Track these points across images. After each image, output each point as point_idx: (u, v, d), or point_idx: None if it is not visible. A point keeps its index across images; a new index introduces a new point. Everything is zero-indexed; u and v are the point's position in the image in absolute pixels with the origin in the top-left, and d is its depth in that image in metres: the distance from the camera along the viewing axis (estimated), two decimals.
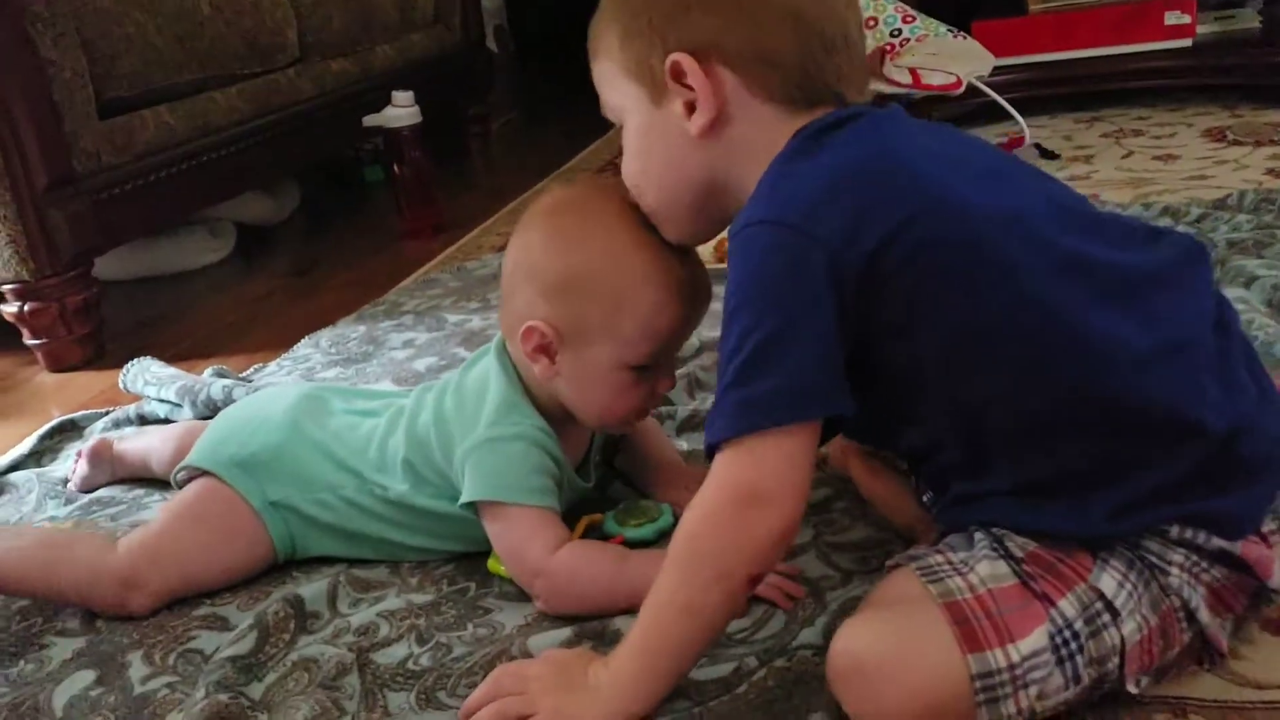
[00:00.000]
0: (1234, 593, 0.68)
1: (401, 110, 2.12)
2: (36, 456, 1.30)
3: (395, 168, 2.17)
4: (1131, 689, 0.66)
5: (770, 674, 0.73)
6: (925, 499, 0.82)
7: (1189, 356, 0.66)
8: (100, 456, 1.19)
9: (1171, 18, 2.20)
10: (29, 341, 1.65)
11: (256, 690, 0.79)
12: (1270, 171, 1.73)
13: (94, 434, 1.31)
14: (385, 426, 0.96)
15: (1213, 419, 0.64)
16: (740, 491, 0.66)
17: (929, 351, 0.66)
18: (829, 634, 0.75)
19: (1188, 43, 2.21)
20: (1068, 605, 0.65)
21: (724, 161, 0.73)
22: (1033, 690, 0.63)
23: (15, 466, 1.27)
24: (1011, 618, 0.64)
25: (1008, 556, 0.67)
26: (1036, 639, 0.63)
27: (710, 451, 0.68)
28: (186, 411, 1.30)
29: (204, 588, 0.94)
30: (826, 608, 0.79)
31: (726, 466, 0.67)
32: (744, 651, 0.76)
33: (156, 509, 1.08)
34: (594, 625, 0.81)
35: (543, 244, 0.87)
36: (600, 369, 0.87)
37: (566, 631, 0.81)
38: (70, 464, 1.22)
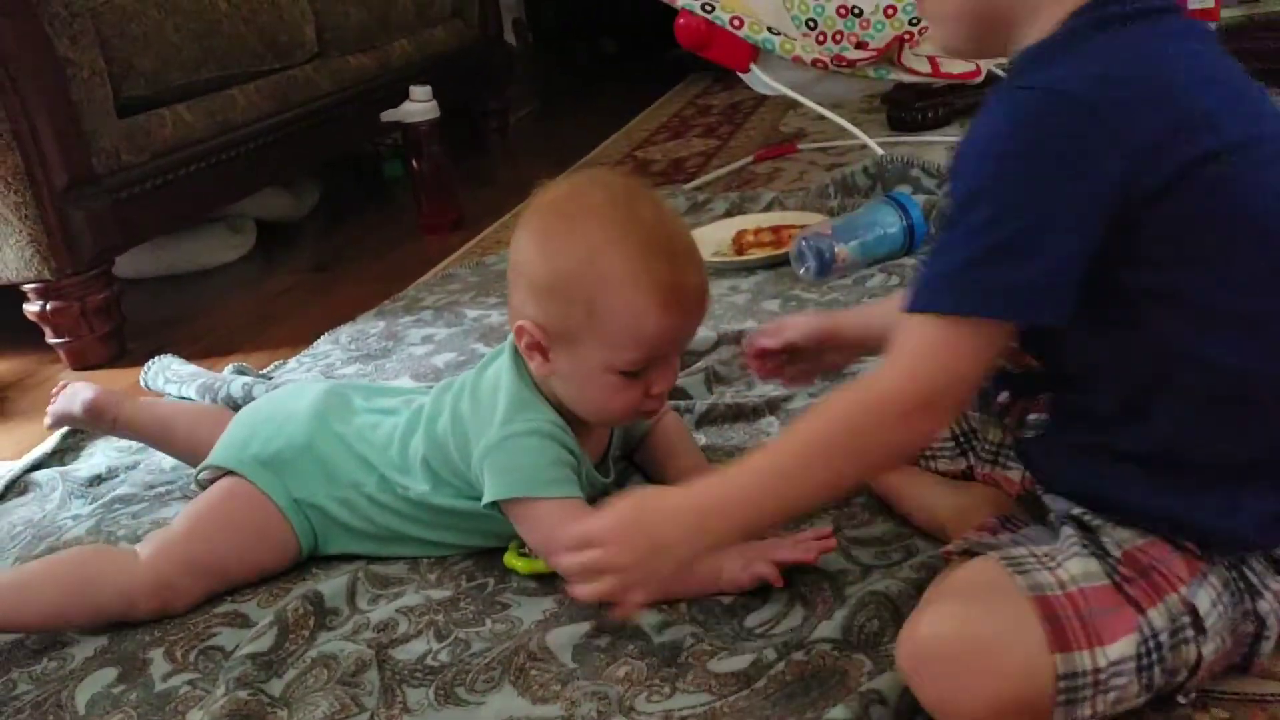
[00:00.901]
0: None
1: (419, 105, 2.12)
2: (59, 455, 1.31)
3: (414, 162, 2.17)
4: (1181, 699, 0.65)
5: (789, 668, 0.73)
6: (1029, 420, 0.77)
7: None
8: (99, 415, 1.17)
9: (1195, 2, 2.17)
10: (51, 340, 1.66)
11: (276, 687, 0.80)
12: None
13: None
14: (405, 426, 0.96)
15: None
16: (920, 397, 0.62)
17: (1162, 284, 0.62)
18: (847, 629, 0.75)
19: (1211, 26, 2.18)
20: (1157, 615, 0.63)
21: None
22: (1111, 695, 0.62)
23: (38, 465, 1.28)
24: (1103, 621, 0.62)
25: (1101, 555, 0.65)
26: (1125, 647, 0.62)
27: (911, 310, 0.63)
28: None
29: (238, 585, 0.94)
30: (846, 602, 0.78)
31: (918, 350, 0.63)
32: (762, 645, 0.76)
33: (177, 507, 1.09)
34: (611, 620, 0.81)
35: (530, 243, 0.87)
36: (590, 370, 0.86)
37: (585, 626, 0.81)
38: (91, 459, 1.23)
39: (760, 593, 0.81)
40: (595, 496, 0.94)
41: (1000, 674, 0.61)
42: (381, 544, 0.96)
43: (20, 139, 1.52)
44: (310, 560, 0.96)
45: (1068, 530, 0.67)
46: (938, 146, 2.02)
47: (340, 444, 0.96)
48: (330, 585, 0.91)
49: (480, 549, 0.94)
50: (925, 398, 0.63)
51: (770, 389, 1.16)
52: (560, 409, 0.90)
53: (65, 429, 1.34)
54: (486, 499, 0.87)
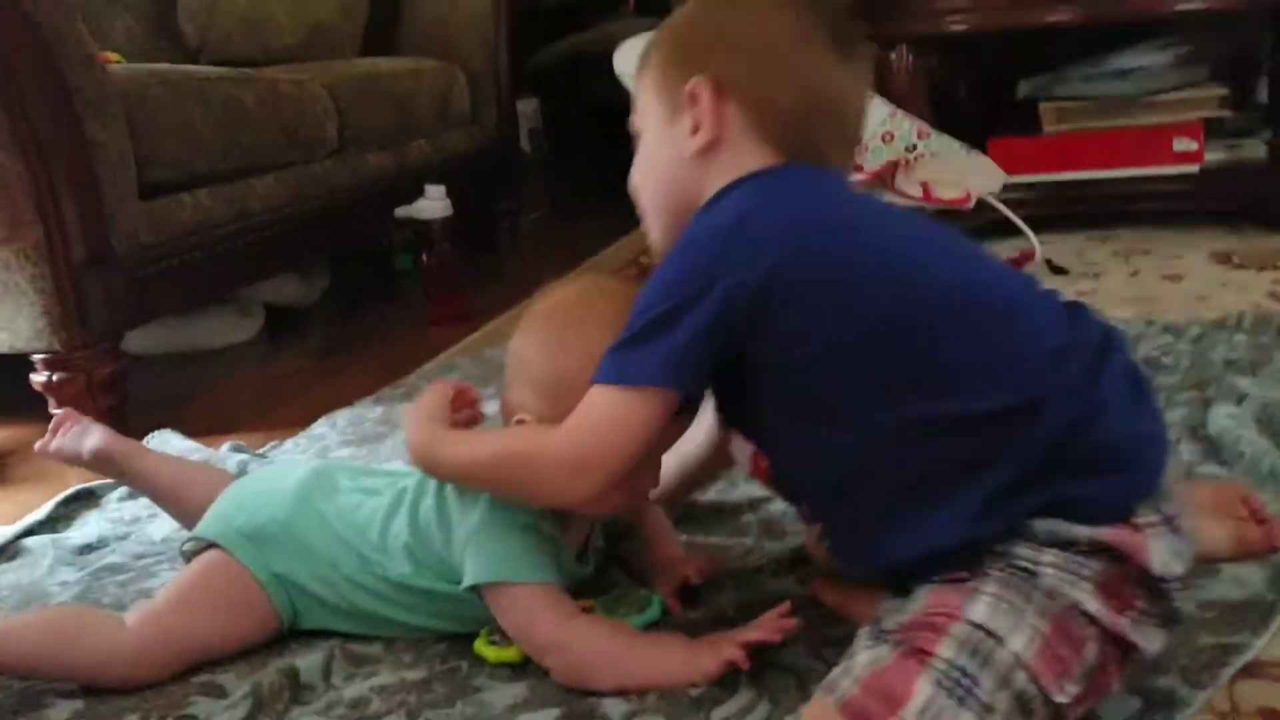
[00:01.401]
0: (1122, 584, 0.71)
1: (433, 203, 2.20)
2: (53, 523, 1.33)
3: (425, 257, 2.23)
4: (1061, 699, 0.68)
5: None
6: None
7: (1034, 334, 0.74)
8: (106, 463, 1.17)
9: (1180, 144, 2.26)
10: (55, 411, 1.69)
11: None
12: (1272, 295, 1.76)
13: (110, 500, 1.35)
14: (387, 507, 0.98)
15: (1057, 400, 0.71)
16: (574, 459, 0.79)
17: (812, 360, 0.75)
18: None
19: (1196, 169, 2.26)
20: (946, 649, 0.68)
21: (708, 180, 0.83)
22: None
23: (31, 531, 1.30)
24: (894, 685, 0.67)
25: (880, 638, 0.71)
26: (922, 691, 0.67)
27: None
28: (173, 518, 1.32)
29: (212, 658, 0.95)
30: (808, 699, 0.80)
31: (580, 415, 0.79)
32: None
33: (164, 577, 1.11)
34: (583, 706, 0.83)
35: (536, 345, 0.91)
36: None
37: (555, 712, 0.83)
38: (84, 528, 1.25)
39: (728, 685, 0.83)
40: (573, 587, 0.96)
41: None
42: (357, 623, 0.98)
43: (44, 214, 1.58)
44: (289, 635, 0.98)
45: (864, 632, 0.74)
46: None
47: (321, 523, 0.99)
48: (306, 661, 0.92)
49: (455, 633, 0.96)
50: (578, 460, 0.79)
51: (753, 489, 1.18)
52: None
53: (61, 497, 1.37)
54: (466, 582, 0.90)
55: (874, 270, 0.76)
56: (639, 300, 0.78)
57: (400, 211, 2.21)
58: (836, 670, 0.72)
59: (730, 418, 0.88)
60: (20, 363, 1.70)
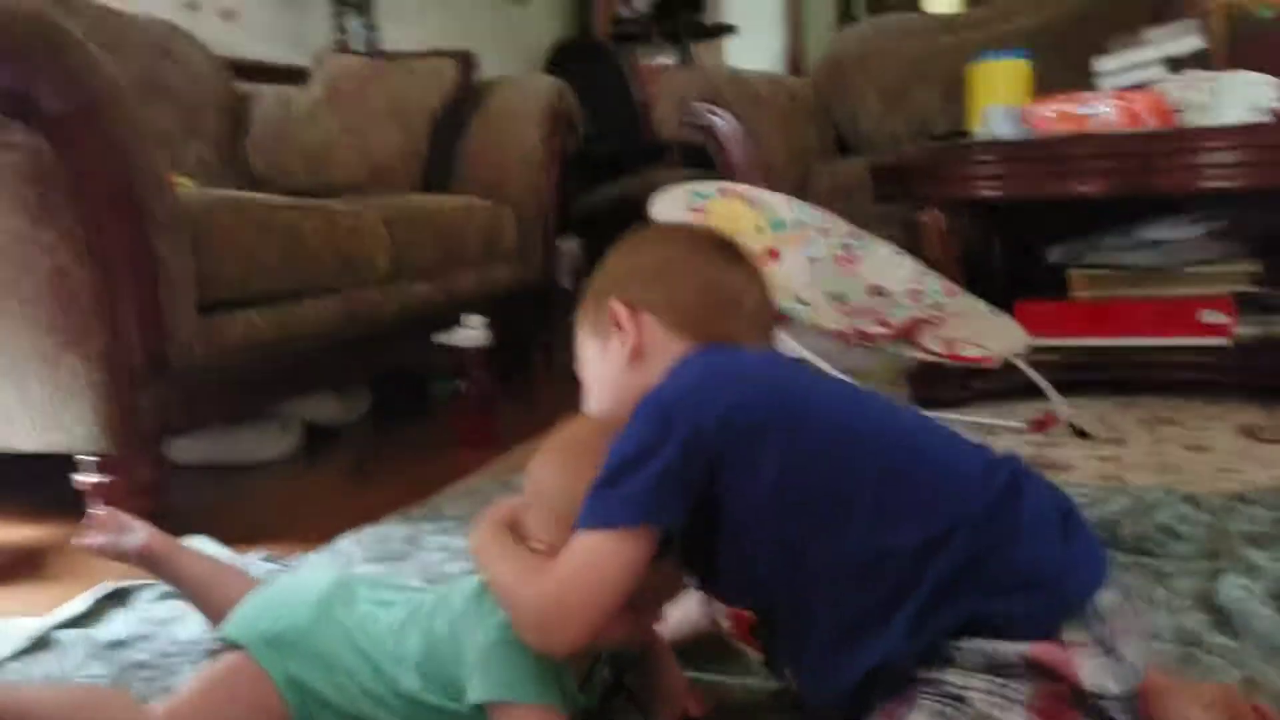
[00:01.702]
0: (1059, 706, 0.74)
1: (471, 332, 2.29)
2: (84, 618, 1.38)
3: (460, 383, 2.31)
4: None
5: None
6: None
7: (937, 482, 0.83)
8: (152, 561, 1.19)
9: (1208, 316, 2.30)
10: (93, 511, 1.75)
11: None
12: None
13: (140, 600, 1.39)
14: (403, 622, 1.03)
15: (966, 527, 0.79)
16: (552, 611, 0.85)
17: (759, 499, 0.84)
18: None
19: (1225, 342, 2.29)
20: None
21: (644, 378, 0.95)
22: None
23: (64, 625, 1.34)
24: None
25: None
26: None
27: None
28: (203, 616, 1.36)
29: None
30: None
31: (563, 558, 0.86)
32: None
33: (187, 675, 1.15)
34: None
35: (552, 474, 0.97)
36: None
37: None
38: (113, 625, 1.30)
39: None
40: (575, 715, 0.98)
41: None
42: None
43: (108, 324, 1.67)
44: None
45: None
46: (956, 424, 2.11)
47: (341, 633, 1.03)
48: None
49: None
50: (554, 610, 0.86)
51: None
52: None
53: (98, 594, 1.42)
54: (473, 698, 0.93)
55: (814, 418, 0.87)
56: (609, 456, 0.87)
57: (439, 338, 2.29)
58: None
59: (692, 564, 0.94)
60: (59, 462, 1.77)
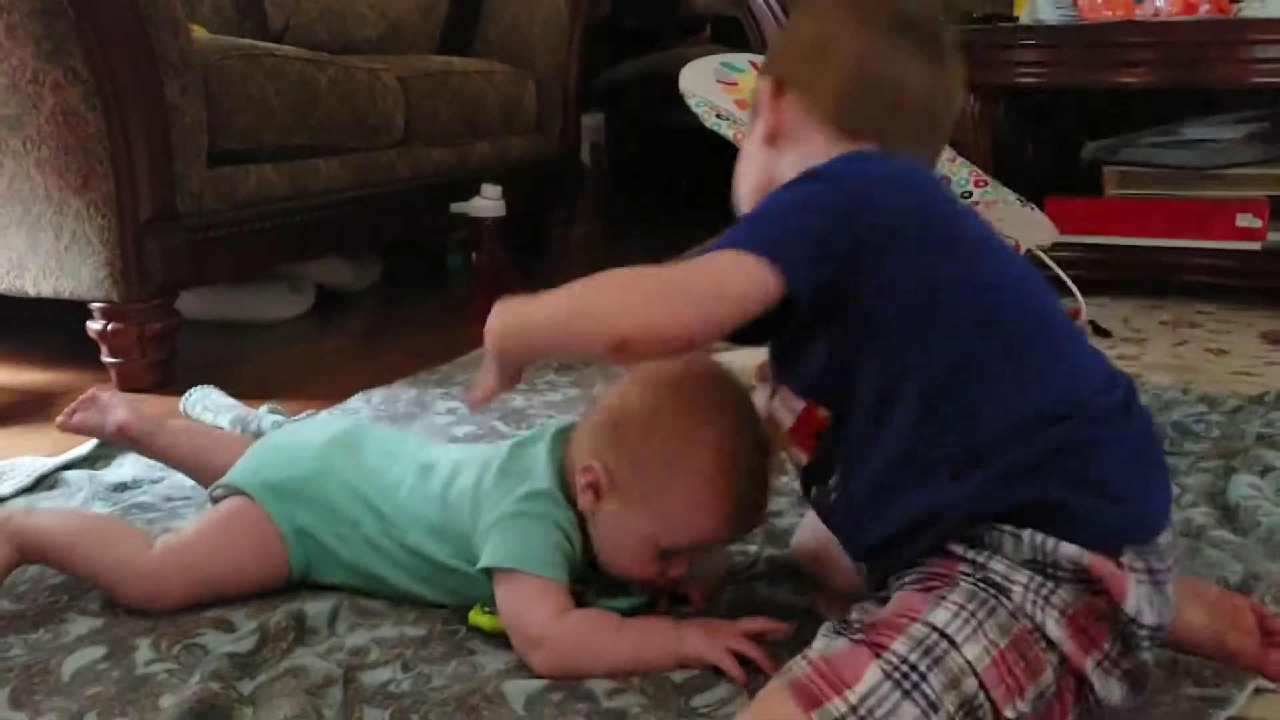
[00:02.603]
0: (1090, 621, 0.73)
1: (488, 202, 2.25)
2: (92, 461, 1.38)
3: (474, 255, 2.28)
4: (1009, 714, 0.70)
5: None
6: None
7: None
8: (127, 438, 1.21)
9: (1244, 220, 2.24)
10: (106, 359, 1.75)
11: (247, 686, 0.84)
12: None
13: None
14: (415, 477, 1.01)
15: (1083, 416, 0.75)
16: (660, 291, 0.79)
17: (888, 304, 0.77)
18: None
19: (1257, 246, 2.25)
20: (899, 645, 0.71)
21: (779, 163, 0.89)
22: None
23: (71, 466, 1.35)
24: (841, 668, 0.71)
25: (840, 632, 0.75)
26: (870, 677, 0.69)
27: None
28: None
29: (223, 596, 0.99)
30: None
31: (700, 260, 0.78)
32: None
33: (190, 517, 1.15)
34: (569, 679, 0.85)
35: (638, 408, 0.94)
36: (630, 533, 0.92)
37: (542, 682, 0.85)
38: (121, 468, 1.30)
39: (709, 676, 0.86)
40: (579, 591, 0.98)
41: None
42: (365, 583, 1.01)
43: (116, 169, 1.64)
44: (302, 585, 1.02)
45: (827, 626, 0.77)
46: None
47: (346, 482, 1.02)
48: (315, 607, 0.96)
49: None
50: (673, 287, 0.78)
51: None
52: (578, 513, 0.94)
53: (100, 439, 1.42)
54: (483, 563, 0.92)
55: (964, 247, 0.81)
56: (764, 199, 0.82)
57: (456, 207, 2.26)
58: (794, 659, 0.75)
59: (785, 348, 0.86)
60: (76, 310, 1.77)
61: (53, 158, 1.65)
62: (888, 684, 0.69)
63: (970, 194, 2.07)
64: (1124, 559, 0.73)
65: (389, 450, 1.06)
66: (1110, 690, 0.73)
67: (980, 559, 0.74)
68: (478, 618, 0.94)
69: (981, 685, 0.70)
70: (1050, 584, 0.72)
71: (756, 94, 0.93)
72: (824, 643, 0.74)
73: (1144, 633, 0.74)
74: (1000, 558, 0.73)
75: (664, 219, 3.96)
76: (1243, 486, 1.20)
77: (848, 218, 0.77)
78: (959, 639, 0.71)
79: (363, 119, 2.20)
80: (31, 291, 1.74)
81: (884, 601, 0.78)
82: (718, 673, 0.86)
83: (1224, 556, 1.05)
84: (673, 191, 4.38)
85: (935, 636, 0.71)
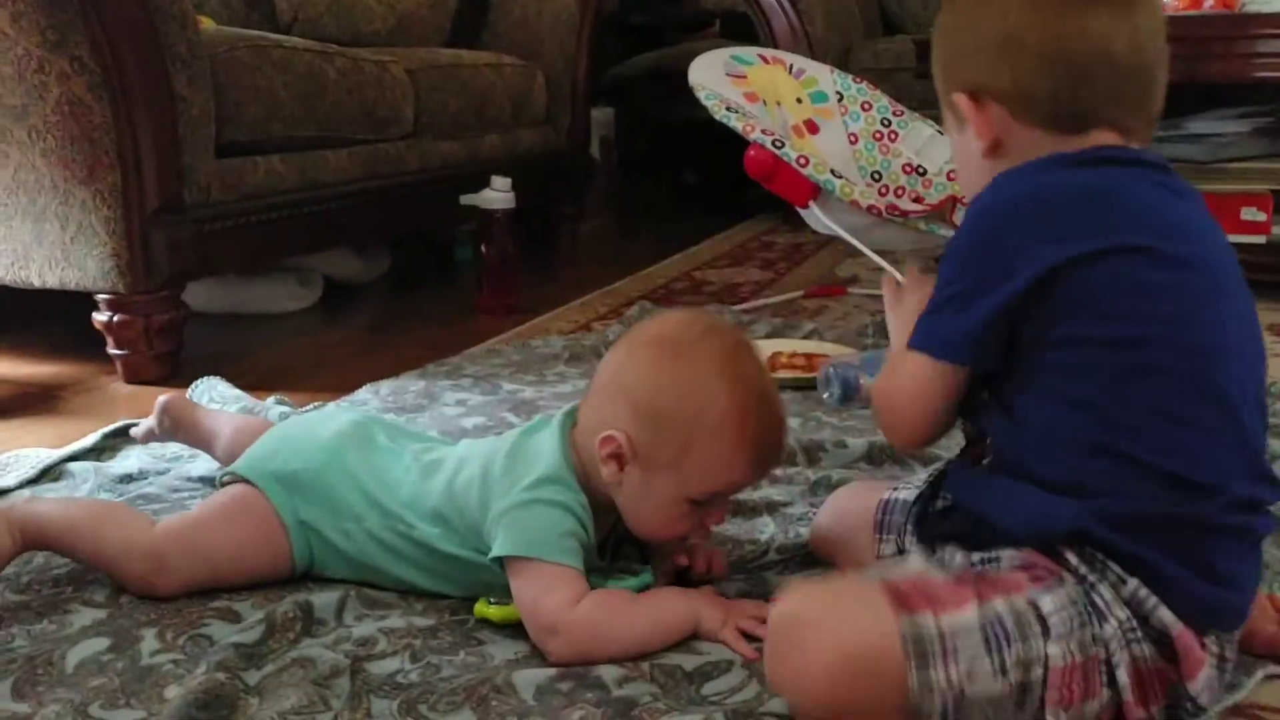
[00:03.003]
0: (1154, 680, 0.73)
1: (497, 194, 2.24)
2: (97, 452, 1.38)
3: (483, 247, 2.27)
4: (1049, 716, 0.71)
5: None
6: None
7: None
8: (171, 412, 1.27)
9: (1248, 214, 2.23)
10: (111, 351, 1.75)
11: (253, 677, 0.84)
12: None
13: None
14: (420, 471, 1.00)
15: (1233, 500, 0.75)
16: (883, 416, 0.88)
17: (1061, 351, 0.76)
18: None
19: (1262, 239, 2.23)
20: (1000, 604, 0.73)
21: (1009, 166, 0.84)
22: (962, 665, 0.70)
23: (76, 457, 1.35)
24: (943, 594, 0.72)
25: (938, 564, 0.77)
26: (967, 615, 0.71)
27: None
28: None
29: (223, 583, 0.99)
30: None
31: (894, 367, 0.87)
32: (713, 709, 0.79)
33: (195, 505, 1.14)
34: (577, 667, 0.85)
35: (646, 369, 0.93)
36: (660, 496, 0.92)
37: (551, 671, 0.84)
38: (126, 460, 1.30)
39: (721, 664, 0.85)
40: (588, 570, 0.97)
41: (847, 635, 0.71)
42: (370, 576, 1.00)
43: (123, 159, 1.64)
44: (308, 576, 1.01)
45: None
46: None
47: (352, 476, 1.01)
48: (322, 598, 0.95)
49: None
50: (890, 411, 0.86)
51: (772, 492, 1.20)
52: (589, 495, 0.94)
53: (108, 429, 1.42)
54: (496, 552, 0.91)
55: (1165, 309, 0.76)
56: (941, 274, 0.82)
57: (465, 199, 2.25)
58: (868, 570, 0.80)
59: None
60: (82, 302, 1.76)
61: (58, 148, 1.64)
62: (979, 630, 0.71)
63: None
64: (1207, 640, 0.75)
65: (397, 444, 1.06)
66: None
67: (1091, 578, 0.74)
68: (484, 609, 0.93)
69: (1045, 680, 0.71)
70: (1138, 632, 0.73)
71: (944, 99, 0.88)
72: (920, 565, 0.78)
73: (1194, 710, 0.75)
74: (1107, 585, 0.74)
75: (673, 212, 3.95)
76: None
77: (1024, 287, 0.76)
78: (1052, 631, 0.72)
79: (371, 111, 2.19)
80: (37, 283, 1.74)
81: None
82: (729, 660, 0.85)
83: None
84: (681, 185, 4.38)
85: (1033, 616, 0.72)
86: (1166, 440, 0.74)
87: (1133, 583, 0.73)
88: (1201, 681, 0.74)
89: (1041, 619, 0.72)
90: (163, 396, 1.29)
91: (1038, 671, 0.71)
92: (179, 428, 1.27)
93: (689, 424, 0.90)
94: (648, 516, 0.94)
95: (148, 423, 1.30)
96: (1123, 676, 0.73)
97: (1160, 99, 0.85)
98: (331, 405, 1.57)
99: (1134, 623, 0.73)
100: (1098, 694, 0.73)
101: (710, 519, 0.95)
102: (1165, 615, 0.73)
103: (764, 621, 0.85)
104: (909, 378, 0.82)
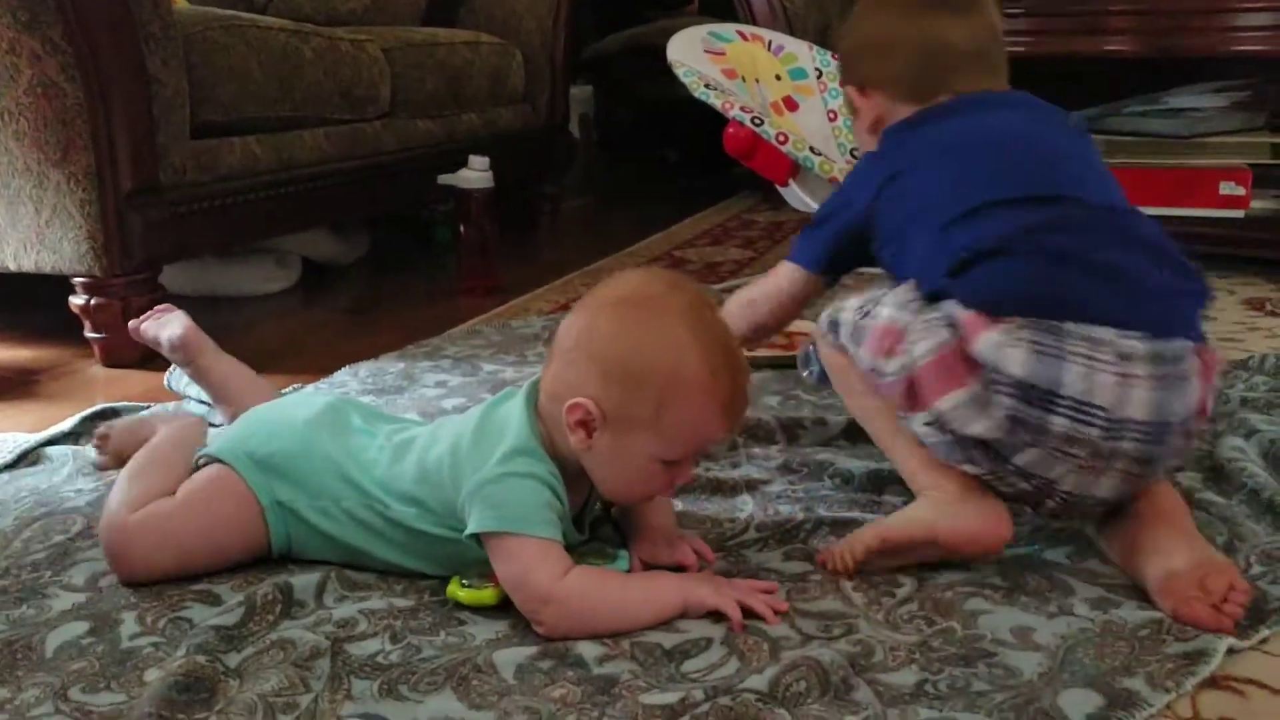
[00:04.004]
0: (955, 362, 0.94)
1: (475, 174, 2.23)
2: (75, 436, 1.37)
3: (462, 228, 2.26)
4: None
5: (713, 709, 0.76)
6: None
7: None
8: (185, 349, 1.29)
9: (1226, 188, 2.24)
10: (89, 335, 1.74)
11: (233, 659, 0.84)
12: None
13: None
14: (394, 450, 1.00)
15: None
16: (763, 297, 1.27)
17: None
18: (774, 684, 0.79)
19: (1240, 214, 2.24)
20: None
21: None
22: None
23: (53, 441, 1.34)
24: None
25: None
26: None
27: None
28: (220, 414, 1.36)
29: (192, 568, 0.98)
30: (779, 662, 0.82)
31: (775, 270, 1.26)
32: (693, 685, 0.79)
33: None
34: (558, 645, 0.85)
35: (609, 331, 0.93)
36: (633, 456, 0.92)
37: (532, 649, 0.85)
38: None
39: (701, 642, 0.86)
40: (567, 549, 0.98)
41: None
42: (349, 557, 1.00)
43: (97, 141, 1.63)
44: (287, 558, 1.01)
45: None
46: None
47: (329, 457, 1.01)
48: (302, 580, 0.95)
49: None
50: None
51: (751, 470, 1.21)
52: (559, 465, 0.94)
53: (86, 413, 1.41)
54: (472, 529, 0.91)
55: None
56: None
57: (443, 179, 2.24)
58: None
59: None
60: (60, 286, 1.75)
61: (31, 130, 1.63)
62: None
63: None
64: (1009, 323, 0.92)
65: (371, 425, 1.05)
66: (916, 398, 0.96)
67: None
68: (456, 591, 0.93)
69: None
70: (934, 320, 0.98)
71: (848, 98, 1.23)
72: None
73: (1010, 388, 0.91)
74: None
75: (651, 190, 3.94)
76: (1227, 449, 1.21)
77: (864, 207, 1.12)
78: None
79: (347, 90, 2.18)
80: (12, 266, 1.72)
81: None
82: (708, 638, 0.86)
83: (1210, 518, 1.06)
84: (662, 162, 4.37)
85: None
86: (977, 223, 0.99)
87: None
88: (989, 345, 0.91)
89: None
90: (175, 330, 1.28)
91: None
92: (190, 365, 1.29)
93: (662, 383, 0.90)
94: (621, 480, 0.94)
95: (151, 332, 1.31)
96: (919, 350, 0.95)
97: (1002, 65, 1.17)
98: (309, 388, 1.56)
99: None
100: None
101: (680, 476, 0.95)
102: (950, 306, 0.96)
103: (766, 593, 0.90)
104: (781, 275, 1.22)
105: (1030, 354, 0.90)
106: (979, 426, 0.93)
